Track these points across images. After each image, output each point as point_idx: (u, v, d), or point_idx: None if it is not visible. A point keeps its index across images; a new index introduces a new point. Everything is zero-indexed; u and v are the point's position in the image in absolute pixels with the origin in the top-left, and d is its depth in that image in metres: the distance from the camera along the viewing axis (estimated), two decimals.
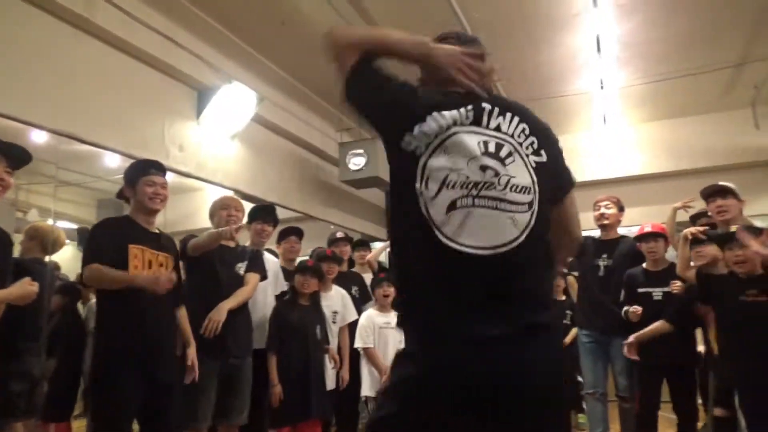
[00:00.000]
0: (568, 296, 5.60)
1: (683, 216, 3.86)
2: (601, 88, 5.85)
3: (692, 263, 3.25)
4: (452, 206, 1.19)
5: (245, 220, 3.37)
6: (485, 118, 1.26)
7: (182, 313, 2.66)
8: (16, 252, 3.22)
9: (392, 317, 4.01)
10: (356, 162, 5.57)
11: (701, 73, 5.37)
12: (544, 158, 1.30)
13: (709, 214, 3.31)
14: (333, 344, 3.61)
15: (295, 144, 5.82)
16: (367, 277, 4.50)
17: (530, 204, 1.23)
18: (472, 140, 1.22)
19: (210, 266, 2.90)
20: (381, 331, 3.93)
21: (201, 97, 4.51)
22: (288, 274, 3.69)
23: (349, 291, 4.16)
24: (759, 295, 2.66)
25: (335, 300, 3.78)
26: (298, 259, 4.01)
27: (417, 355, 1.19)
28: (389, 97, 1.30)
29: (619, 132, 6.98)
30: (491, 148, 1.23)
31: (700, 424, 3.42)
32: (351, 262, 4.85)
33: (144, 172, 2.53)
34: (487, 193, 1.19)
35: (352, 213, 6.83)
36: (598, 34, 4.79)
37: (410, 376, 1.18)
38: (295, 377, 3.20)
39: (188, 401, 2.66)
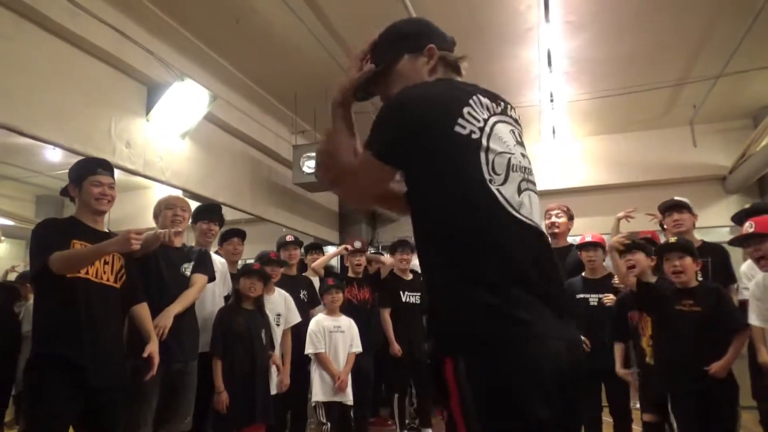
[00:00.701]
0: None
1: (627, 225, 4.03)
2: (551, 101, 6.05)
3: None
4: (519, 189, 1.24)
5: (190, 220, 3.30)
6: (500, 104, 1.35)
7: (143, 311, 2.55)
8: None
9: (342, 321, 4.02)
10: (310, 165, 5.55)
11: (643, 91, 5.63)
12: (524, 148, 1.38)
13: (665, 227, 3.51)
14: (277, 347, 3.57)
15: (248, 145, 5.74)
16: (317, 281, 4.49)
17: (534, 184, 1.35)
18: (506, 129, 1.30)
19: (155, 267, 2.82)
20: (331, 336, 3.93)
21: (151, 94, 4.38)
22: (230, 277, 3.64)
23: (297, 294, 4.14)
24: (694, 305, 2.79)
25: (278, 303, 3.75)
26: (240, 262, 3.96)
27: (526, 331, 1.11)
28: (419, 113, 1.24)
29: (566, 145, 7.23)
30: (517, 136, 1.35)
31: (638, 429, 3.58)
32: (303, 265, 4.82)
33: (90, 171, 2.44)
34: (530, 178, 1.30)
35: (304, 216, 6.78)
36: (550, 48, 4.95)
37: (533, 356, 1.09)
38: (240, 382, 3.16)
39: (129, 408, 2.56)
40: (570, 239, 3.96)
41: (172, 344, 2.73)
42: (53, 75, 3.50)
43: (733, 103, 6.16)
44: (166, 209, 2.99)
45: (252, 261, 3.72)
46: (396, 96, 1.29)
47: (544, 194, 5.51)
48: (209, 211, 3.58)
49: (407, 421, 4.99)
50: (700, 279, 2.97)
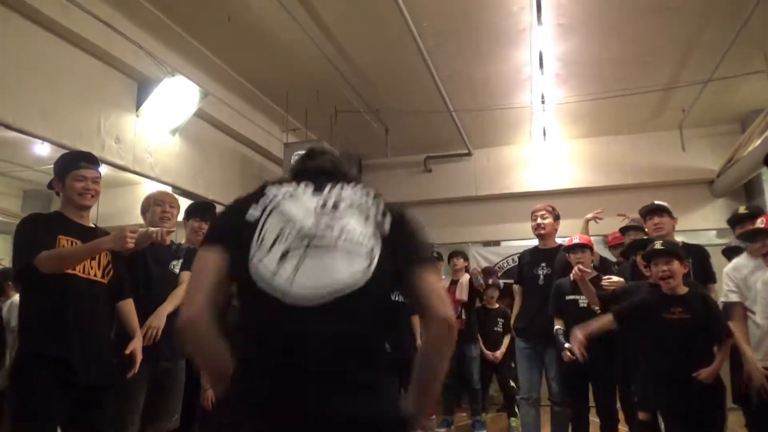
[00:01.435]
0: (500, 304, 5.80)
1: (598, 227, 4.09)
2: (542, 102, 6.07)
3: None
4: (284, 256, 1.21)
5: (181, 216, 3.27)
6: (326, 187, 1.34)
7: (128, 307, 2.53)
8: None
9: None
10: None
11: (632, 94, 5.67)
12: (387, 223, 1.31)
13: (646, 229, 3.55)
14: None
15: (239, 142, 5.72)
16: None
17: (368, 253, 1.24)
18: (308, 201, 1.30)
19: (143, 264, 2.79)
20: None
21: (141, 89, 4.35)
22: None
23: None
24: (683, 312, 2.74)
25: None
26: None
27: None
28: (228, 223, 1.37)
29: (557, 146, 7.27)
30: (329, 205, 1.30)
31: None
32: None
33: (74, 165, 2.39)
34: (320, 243, 1.23)
35: None
36: (541, 50, 4.97)
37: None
38: None
39: (115, 406, 2.54)
40: (559, 240, 3.98)
41: (161, 343, 2.71)
42: (42, 69, 3.47)
43: (722, 108, 6.23)
44: (154, 205, 2.95)
45: None
46: None
47: (533, 195, 5.60)
48: (202, 209, 3.54)
49: None
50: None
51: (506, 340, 5.52)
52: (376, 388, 1.21)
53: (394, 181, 7.86)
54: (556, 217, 3.91)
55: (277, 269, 1.20)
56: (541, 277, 3.78)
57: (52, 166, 2.47)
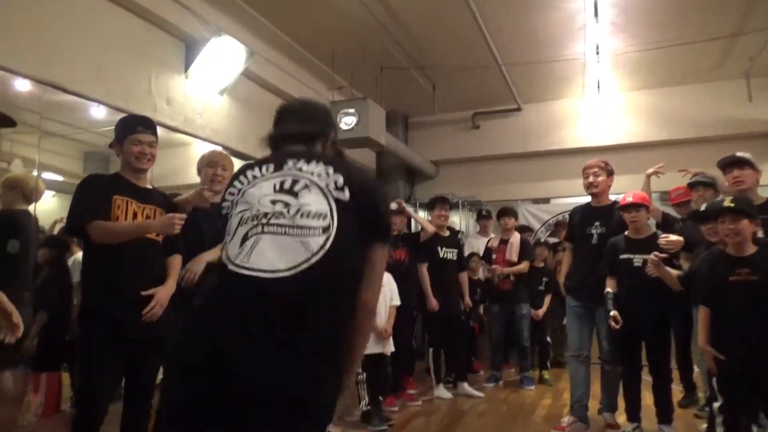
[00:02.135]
0: (545, 263, 5.78)
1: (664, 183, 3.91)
2: (597, 53, 5.80)
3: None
4: (245, 238, 1.30)
5: None
6: (287, 165, 1.40)
7: (175, 261, 2.59)
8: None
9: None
10: (347, 121, 5.51)
11: (696, 42, 5.34)
12: (346, 195, 1.34)
13: (726, 183, 3.34)
14: None
15: (286, 101, 5.73)
16: None
17: (325, 228, 1.28)
18: (267, 184, 1.37)
19: (194, 222, 2.84)
20: None
21: (189, 50, 4.40)
22: None
23: None
24: (750, 274, 2.59)
25: None
26: None
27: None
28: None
29: (612, 99, 6.96)
30: (286, 185, 1.35)
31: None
32: None
33: (131, 129, 2.46)
34: (276, 221, 1.29)
35: None
36: None
37: None
38: None
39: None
40: (613, 197, 3.84)
41: None
42: (94, 32, 3.54)
43: None
44: (207, 167, 3.00)
45: None
46: None
47: (585, 151, 5.43)
48: None
49: (442, 376, 5.09)
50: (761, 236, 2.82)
51: (547, 300, 5.52)
52: (307, 355, 1.20)
53: (441, 139, 7.76)
54: (610, 173, 3.74)
55: (239, 252, 1.28)
56: (595, 236, 3.67)
57: (110, 128, 2.55)
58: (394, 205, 4.79)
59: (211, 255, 2.81)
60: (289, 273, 1.22)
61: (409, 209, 5.30)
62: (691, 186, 3.96)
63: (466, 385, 4.91)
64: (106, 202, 2.35)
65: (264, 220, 1.30)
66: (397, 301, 4.12)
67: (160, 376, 2.70)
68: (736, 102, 6.37)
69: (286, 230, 1.27)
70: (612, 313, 3.37)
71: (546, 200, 7.62)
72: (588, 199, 3.86)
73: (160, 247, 2.49)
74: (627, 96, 6.95)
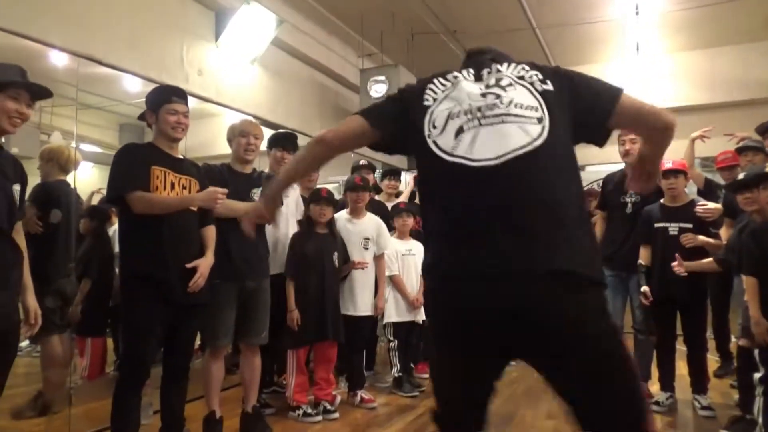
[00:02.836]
0: None
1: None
2: (636, 14, 5.56)
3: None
4: (459, 131, 1.30)
5: (264, 146, 3.35)
6: (485, 68, 1.40)
7: (209, 233, 2.66)
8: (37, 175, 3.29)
9: (413, 244, 4.09)
10: (377, 89, 5.46)
11: None
12: (550, 86, 1.34)
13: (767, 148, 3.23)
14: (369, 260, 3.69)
15: (316, 70, 5.71)
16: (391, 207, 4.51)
17: (540, 119, 1.28)
18: (471, 84, 1.38)
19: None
20: (404, 259, 4.03)
21: (219, 19, 4.39)
22: (304, 202, 3.74)
23: None
24: None
25: (367, 227, 3.80)
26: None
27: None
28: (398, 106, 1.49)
29: (652, 61, 6.69)
30: (491, 81, 1.36)
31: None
32: (376, 190, 4.83)
33: (167, 98, 2.50)
34: (491, 113, 1.30)
35: None
36: None
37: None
38: (312, 303, 3.32)
39: (207, 321, 2.76)
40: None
41: (243, 264, 2.88)
42: (125, 3, 3.56)
43: None
44: (240, 136, 3.02)
45: (320, 187, 3.77)
46: None
47: None
48: (285, 139, 3.62)
49: None
50: None
51: None
52: (560, 239, 1.20)
53: None
54: None
55: (456, 144, 1.29)
56: (629, 205, 3.59)
57: (144, 99, 2.59)
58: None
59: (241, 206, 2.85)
60: (509, 156, 1.24)
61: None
62: (740, 151, 3.82)
63: None
64: (146, 172, 2.40)
65: (479, 114, 1.31)
66: None
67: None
68: None
69: (503, 119, 1.29)
70: (643, 288, 3.32)
71: (581, 168, 7.46)
72: (621, 165, 3.76)
73: (196, 216, 2.56)
74: (668, 58, 6.68)
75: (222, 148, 3.24)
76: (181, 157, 2.63)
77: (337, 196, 3.91)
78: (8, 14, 2.86)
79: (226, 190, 2.48)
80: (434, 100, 1.39)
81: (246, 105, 4.64)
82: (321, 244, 3.42)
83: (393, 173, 4.93)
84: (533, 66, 1.39)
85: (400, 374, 3.93)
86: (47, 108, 3.77)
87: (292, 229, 3.58)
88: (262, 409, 3.22)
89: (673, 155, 3.58)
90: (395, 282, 3.96)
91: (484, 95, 1.32)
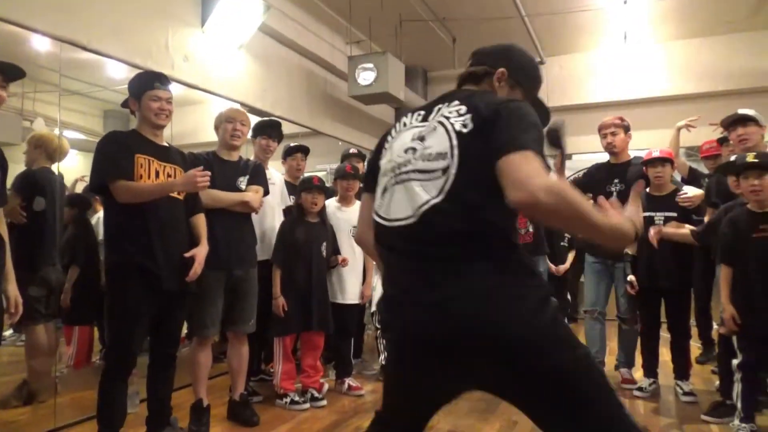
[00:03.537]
0: None
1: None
2: (624, 2, 5.56)
3: None
4: (384, 191, 1.37)
5: (250, 134, 3.33)
6: (434, 108, 1.36)
7: (200, 220, 2.65)
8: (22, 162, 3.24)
9: None
10: (366, 77, 5.43)
11: None
12: (470, 127, 1.25)
13: (731, 142, 3.30)
14: (350, 256, 3.66)
15: (304, 57, 5.65)
16: None
17: (445, 170, 1.24)
18: (408, 133, 1.37)
19: (210, 181, 2.86)
20: None
21: (205, 4, 4.32)
22: (291, 189, 3.73)
23: None
24: None
25: (356, 215, 3.79)
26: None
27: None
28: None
29: (639, 51, 6.71)
30: (422, 132, 1.33)
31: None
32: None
33: (149, 85, 2.47)
34: (404, 170, 1.32)
35: (360, 129, 6.76)
36: None
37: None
38: (299, 291, 3.32)
39: (196, 310, 2.76)
40: (638, 153, 3.76)
41: (230, 253, 2.87)
42: None
43: None
44: (226, 122, 3.01)
45: (310, 175, 3.76)
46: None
47: (609, 105, 5.31)
48: (269, 126, 3.60)
49: None
50: None
51: (571, 256, 5.49)
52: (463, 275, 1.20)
53: None
54: (627, 129, 3.66)
55: (381, 203, 1.37)
56: (615, 194, 3.62)
57: (127, 86, 2.55)
58: None
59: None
60: (410, 219, 1.27)
61: None
62: (721, 141, 3.87)
63: None
64: (130, 160, 2.38)
65: (397, 171, 1.34)
66: None
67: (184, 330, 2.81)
68: None
69: (409, 177, 1.30)
70: (630, 278, 3.37)
71: (568, 156, 7.49)
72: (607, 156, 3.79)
73: (182, 204, 2.54)
74: (655, 47, 6.70)
75: (209, 135, 3.21)
76: (167, 144, 2.60)
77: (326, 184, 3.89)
78: None
79: (207, 173, 2.43)
80: (384, 151, 1.44)
81: (233, 92, 4.59)
82: (311, 233, 3.41)
83: None
84: (471, 105, 1.28)
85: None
86: (30, 94, 3.70)
87: (278, 218, 3.57)
88: (249, 397, 3.22)
89: (659, 144, 3.62)
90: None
91: (406, 150, 1.33)
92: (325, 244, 3.46)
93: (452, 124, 1.27)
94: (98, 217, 3.95)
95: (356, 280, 3.74)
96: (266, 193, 3.16)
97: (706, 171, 4.23)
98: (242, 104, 4.61)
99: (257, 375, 3.75)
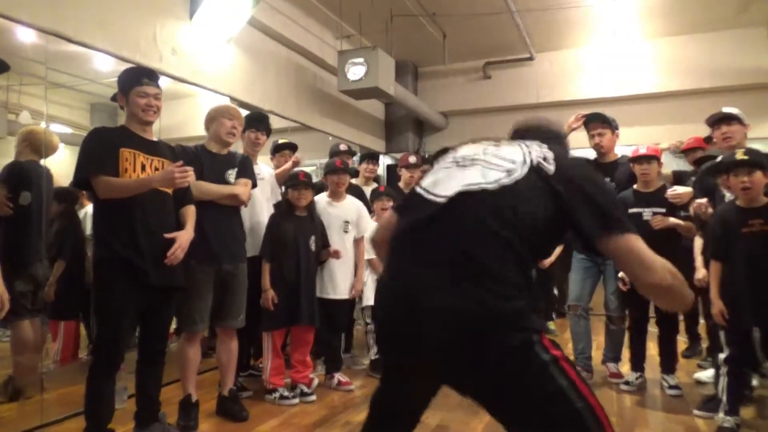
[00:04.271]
0: None
1: None
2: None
3: None
4: (438, 173, 1.47)
5: None
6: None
7: (189, 211, 2.62)
8: (11, 154, 3.20)
9: None
10: (355, 72, 5.41)
11: None
12: (552, 170, 1.35)
13: (714, 140, 3.35)
14: (341, 250, 3.65)
15: (293, 51, 5.62)
16: (368, 191, 4.51)
17: (509, 171, 1.32)
18: (478, 147, 1.50)
19: (199, 174, 2.83)
20: None
21: None
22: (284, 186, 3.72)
23: None
24: (765, 224, 2.60)
25: (347, 210, 3.79)
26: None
27: None
28: None
29: (628, 48, 6.75)
30: (499, 144, 1.48)
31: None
32: (353, 174, 4.81)
33: (137, 81, 2.45)
34: (470, 157, 1.42)
35: (350, 124, 6.74)
36: None
37: None
38: (287, 286, 3.31)
39: (184, 305, 2.74)
40: (625, 149, 3.79)
41: (219, 247, 2.86)
42: None
43: None
44: (225, 118, 2.97)
45: (297, 170, 3.74)
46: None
47: (599, 102, 5.35)
48: (257, 120, 3.59)
49: None
50: None
51: (558, 250, 5.49)
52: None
53: (452, 89, 7.62)
54: (615, 128, 3.71)
55: (430, 180, 1.46)
56: None
57: (116, 79, 2.52)
58: (413, 158, 4.65)
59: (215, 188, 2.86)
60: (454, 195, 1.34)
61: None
62: (708, 140, 3.93)
63: None
64: (113, 155, 2.36)
65: (460, 160, 1.44)
66: None
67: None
68: (755, 51, 6.16)
69: (474, 162, 1.41)
70: (621, 274, 3.38)
71: None
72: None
73: (170, 198, 2.52)
74: (645, 44, 6.74)
75: (197, 129, 3.18)
76: (155, 139, 2.58)
77: (315, 179, 3.88)
78: None
79: (188, 168, 2.40)
80: (429, 175, 1.55)
81: (221, 85, 4.56)
82: (299, 228, 3.40)
83: (371, 157, 4.91)
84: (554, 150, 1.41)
85: (377, 357, 3.96)
86: (15, 87, 3.65)
87: (267, 212, 3.55)
88: (238, 392, 3.21)
89: (647, 140, 3.65)
90: (374, 265, 3.97)
91: (477, 149, 1.46)
92: (313, 238, 3.45)
93: (530, 152, 1.36)
94: (86, 211, 3.92)
95: (347, 275, 3.74)
96: (254, 185, 3.14)
97: (688, 168, 4.28)
98: (231, 98, 4.58)
99: (246, 370, 3.74)
